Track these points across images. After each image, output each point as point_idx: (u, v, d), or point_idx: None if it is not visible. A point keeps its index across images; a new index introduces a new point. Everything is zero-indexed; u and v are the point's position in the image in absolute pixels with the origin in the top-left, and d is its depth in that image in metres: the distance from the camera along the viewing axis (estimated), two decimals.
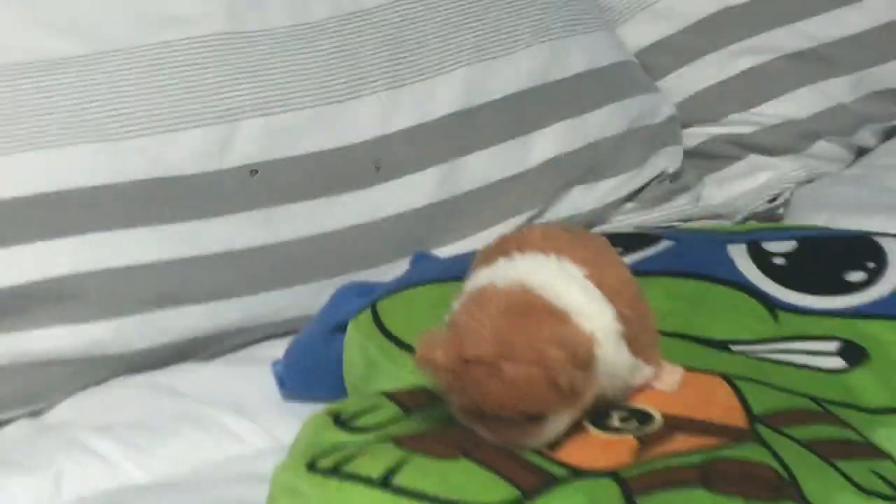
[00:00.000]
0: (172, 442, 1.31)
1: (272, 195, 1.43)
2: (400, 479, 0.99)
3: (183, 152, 1.39)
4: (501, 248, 1.09)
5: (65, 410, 1.35)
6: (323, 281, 1.45)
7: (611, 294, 1.06)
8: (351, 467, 1.01)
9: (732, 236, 1.33)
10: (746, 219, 1.72)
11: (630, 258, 1.31)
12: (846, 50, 1.82)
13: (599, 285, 1.06)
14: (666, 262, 1.25)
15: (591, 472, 1.03)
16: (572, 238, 1.10)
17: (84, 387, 1.36)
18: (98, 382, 1.37)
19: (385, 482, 0.99)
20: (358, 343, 1.29)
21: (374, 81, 1.48)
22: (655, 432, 1.07)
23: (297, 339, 1.40)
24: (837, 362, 1.20)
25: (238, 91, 1.41)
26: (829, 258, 1.28)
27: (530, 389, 0.99)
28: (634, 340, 1.06)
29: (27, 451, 1.30)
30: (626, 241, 1.30)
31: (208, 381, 1.38)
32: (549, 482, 1.01)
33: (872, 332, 1.22)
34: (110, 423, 1.32)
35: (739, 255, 1.29)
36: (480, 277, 1.07)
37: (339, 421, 1.11)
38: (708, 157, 1.77)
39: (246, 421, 1.33)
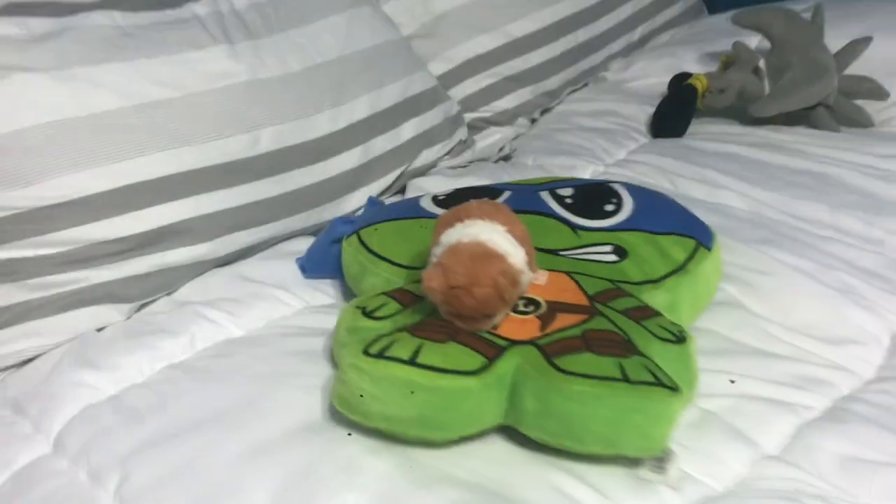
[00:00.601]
0: (251, 309, 0.94)
1: (282, 167, 1.06)
2: (421, 358, 0.67)
3: (235, 147, 1.01)
4: (455, 216, 0.76)
5: (186, 291, 0.97)
6: (311, 210, 1.09)
7: (519, 240, 0.74)
8: (391, 352, 0.69)
9: (539, 187, 0.99)
10: (498, 159, 1.40)
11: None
12: (530, 74, 1.47)
13: (513, 235, 0.74)
14: (512, 204, 0.91)
15: (519, 342, 0.71)
16: (492, 208, 0.77)
17: (194, 277, 0.99)
18: (202, 274, 0.99)
19: (413, 361, 0.67)
20: (351, 254, 0.93)
21: (325, 103, 1.10)
22: (546, 313, 0.75)
23: (311, 246, 1.04)
24: (613, 258, 0.87)
25: (260, 113, 1.03)
26: (593, 197, 0.96)
27: (489, 302, 0.69)
28: (531, 262, 0.75)
29: (170, 322, 0.91)
30: (488, 194, 0.97)
31: (263, 270, 1.00)
32: (499, 351, 0.69)
33: (626, 239, 0.89)
34: (215, 299, 0.95)
35: (547, 198, 0.96)
36: (450, 236, 0.74)
37: (365, 313, 0.77)
38: (472, 128, 1.40)
39: (288, 293, 0.96)
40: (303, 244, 1.07)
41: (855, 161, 1.26)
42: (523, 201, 0.95)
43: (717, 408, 0.79)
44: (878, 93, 1.49)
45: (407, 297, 0.81)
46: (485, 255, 0.74)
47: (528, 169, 1.32)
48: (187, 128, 1.01)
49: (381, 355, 0.71)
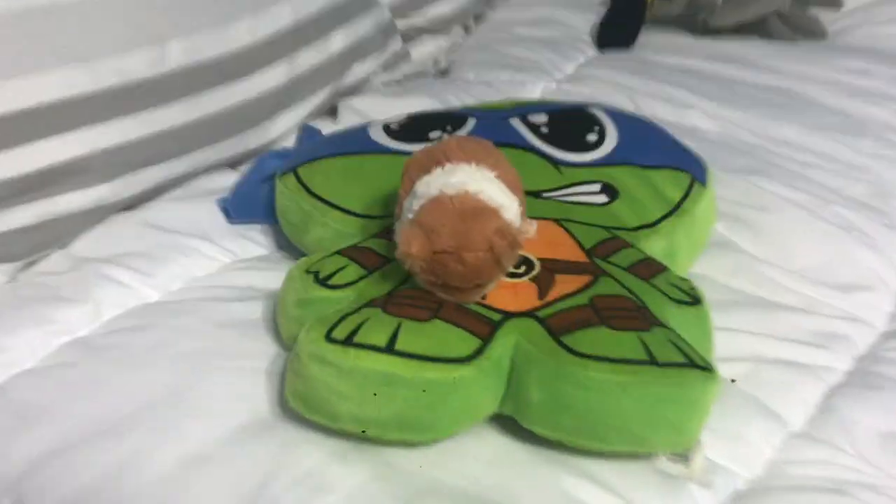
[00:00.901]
0: (166, 265, 0.73)
1: (194, 88, 0.84)
2: (400, 345, 0.50)
3: (136, 65, 0.79)
4: (432, 159, 0.57)
5: (84, 245, 0.75)
6: (231, 138, 0.88)
7: (511, 186, 0.57)
8: (361, 337, 0.51)
9: (506, 112, 0.81)
10: (435, 73, 1.23)
11: (458, 136, 0.81)
12: None
13: (505, 182, 0.57)
14: (481, 135, 0.73)
15: (514, 314, 0.55)
16: (476, 146, 0.59)
17: (94, 226, 0.78)
18: (102, 222, 0.78)
19: (390, 348, 0.50)
20: (290, 198, 0.73)
21: (243, 10, 0.88)
22: (542, 275, 0.58)
23: (236, 184, 0.83)
24: (603, 198, 0.71)
25: (166, 22, 0.81)
26: (572, 125, 0.79)
27: (483, 269, 0.52)
28: (523, 212, 0.60)
29: (67, 285, 0.71)
30: (450, 122, 0.79)
31: (178, 215, 0.79)
32: (493, 327, 0.53)
33: (614, 175, 0.74)
34: (121, 254, 0.74)
35: (519, 127, 0.78)
36: (429, 185, 0.55)
37: (319, 279, 0.59)
38: (404, 38, 1.19)
39: (211, 244, 0.76)
40: (224, 180, 0.86)
41: (820, 76, 1.14)
42: (493, 131, 0.77)
43: (733, 375, 0.66)
44: (832, 1, 1.37)
45: (369, 258, 0.62)
46: (476, 211, 0.56)
47: (472, 85, 1.14)
48: (77, 41, 0.78)
49: (349, 341, 0.54)
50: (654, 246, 0.71)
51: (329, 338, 0.54)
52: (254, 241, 0.79)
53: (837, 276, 0.77)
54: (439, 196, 0.57)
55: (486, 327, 0.57)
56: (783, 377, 0.66)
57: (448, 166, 0.59)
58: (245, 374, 0.61)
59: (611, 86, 1.10)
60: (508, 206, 0.59)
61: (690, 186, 0.75)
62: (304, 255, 0.75)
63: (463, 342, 0.56)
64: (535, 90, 1.13)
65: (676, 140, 0.82)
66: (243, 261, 0.77)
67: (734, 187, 0.85)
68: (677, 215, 0.73)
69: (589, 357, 0.54)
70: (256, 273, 0.74)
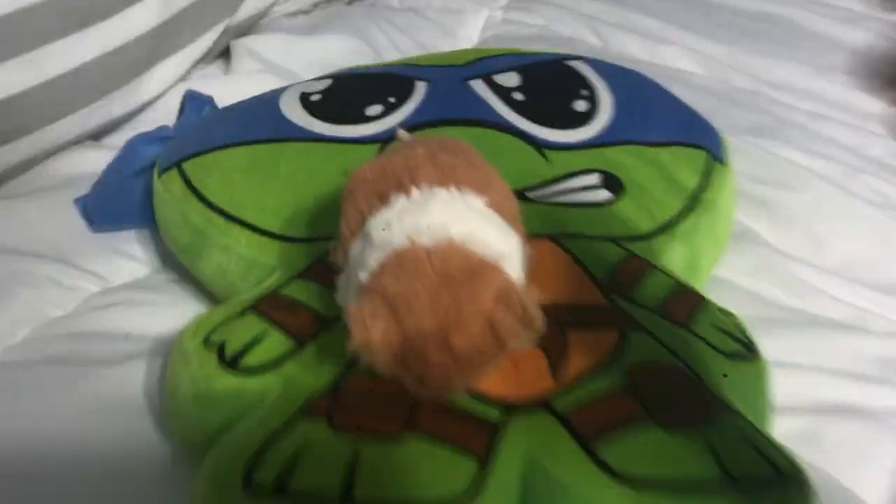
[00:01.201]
0: (7, 306, 0.51)
1: (32, 40, 0.60)
2: (362, 489, 0.30)
3: None
4: (390, 179, 0.36)
5: None
6: (90, 105, 0.65)
7: (507, 217, 0.39)
8: (300, 482, 0.31)
9: (464, 70, 0.59)
10: (351, 1, 1.00)
11: (405, 111, 0.56)
12: None
13: (499, 211, 0.39)
14: (436, 108, 0.53)
15: (520, 407, 0.40)
16: (453, 158, 0.39)
17: None
18: None
19: (348, 498, 0.31)
20: (174, 207, 0.51)
21: None
22: (553, 337, 0.41)
23: (98, 184, 0.59)
24: (605, 194, 0.52)
25: None
26: (552, 90, 0.58)
27: (479, 356, 0.32)
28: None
29: None
30: (393, 89, 0.56)
31: (20, 226, 0.57)
32: (492, 433, 0.37)
33: (615, 158, 0.54)
34: None
35: (486, 94, 0.57)
36: (392, 230, 0.35)
37: (225, 360, 0.39)
38: None
39: (68, 266, 0.54)
40: (82, 165, 0.63)
41: None
42: (451, 102, 0.56)
43: (787, 435, 0.51)
44: None
45: (298, 319, 0.41)
46: (467, 271, 0.36)
47: (397, 14, 0.92)
48: None
49: (283, 491, 0.36)
50: (673, 256, 0.53)
51: (249, 487, 0.35)
52: (128, 257, 0.57)
53: (884, 273, 0.61)
54: (410, 249, 0.37)
55: (482, 437, 0.39)
56: (850, 433, 0.50)
57: (416, 194, 0.39)
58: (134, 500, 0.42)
59: (570, 15, 0.90)
60: (509, 253, 0.40)
61: (708, 167, 0.57)
62: (197, 279, 0.55)
63: (453, 469, 0.37)
64: (475, 21, 0.91)
65: (681, 101, 0.62)
66: (114, 289, 0.55)
67: (744, 156, 0.67)
68: (697, 211, 0.54)
69: (641, 482, 0.37)
70: (134, 309, 0.53)
